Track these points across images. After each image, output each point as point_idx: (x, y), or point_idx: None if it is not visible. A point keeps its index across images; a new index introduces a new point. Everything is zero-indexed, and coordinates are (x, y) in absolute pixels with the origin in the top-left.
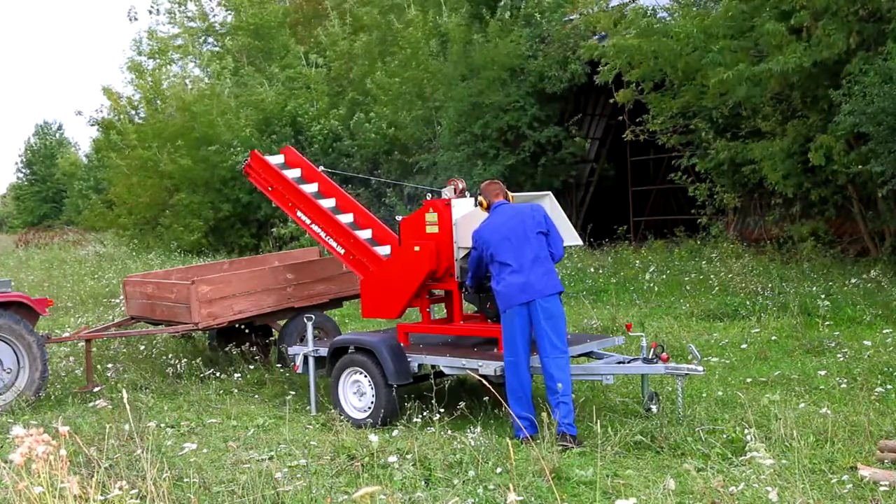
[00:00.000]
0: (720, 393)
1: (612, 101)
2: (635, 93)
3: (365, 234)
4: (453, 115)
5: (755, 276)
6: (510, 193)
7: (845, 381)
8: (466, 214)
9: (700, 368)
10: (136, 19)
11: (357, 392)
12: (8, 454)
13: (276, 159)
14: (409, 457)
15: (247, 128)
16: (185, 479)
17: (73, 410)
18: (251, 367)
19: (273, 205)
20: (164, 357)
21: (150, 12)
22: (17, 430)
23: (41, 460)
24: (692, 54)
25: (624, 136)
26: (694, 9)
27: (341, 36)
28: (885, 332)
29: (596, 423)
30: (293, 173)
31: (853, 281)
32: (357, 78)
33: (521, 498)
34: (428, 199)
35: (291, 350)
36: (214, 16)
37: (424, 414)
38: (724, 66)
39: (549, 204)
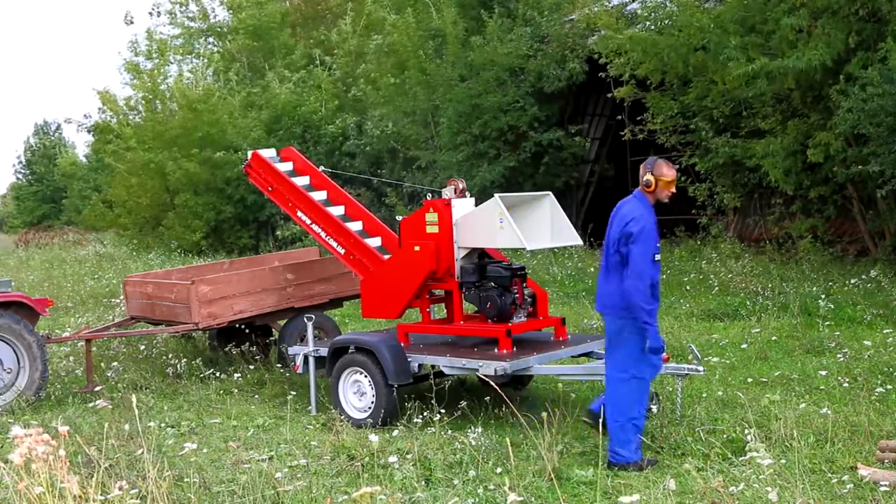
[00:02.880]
0: (720, 393)
1: (611, 95)
2: (635, 90)
3: (356, 226)
4: (452, 115)
5: (755, 276)
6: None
7: (846, 381)
8: (466, 215)
9: (700, 368)
10: (132, 23)
11: (357, 392)
12: (8, 454)
13: (272, 154)
14: (409, 457)
15: (255, 129)
16: (186, 479)
17: (73, 410)
18: (251, 367)
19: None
20: (164, 357)
21: (151, 14)
22: (16, 429)
23: (41, 460)
24: (704, 50)
25: (622, 133)
26: (698, 3)
27: (351, 34)
28: (885, 332)
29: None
30: (290, 169)
31: (853, 281)
32: (363, 75)
33: (521, 498)
34: (428, 199)
35: (291, 350)
36: (215, 16)
37: (425, 414)
38: (742, 60)
39: (550, 204)
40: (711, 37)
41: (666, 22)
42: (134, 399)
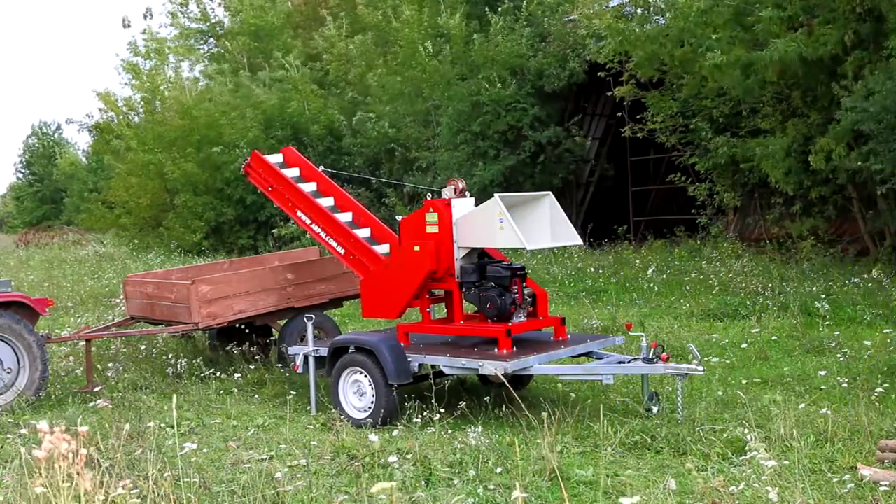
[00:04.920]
0: (720, 393)
1: (610, 94)
2: (635, 89)
3: (364, 233)
4: (452, 114)
5: (755, 276)
6: None
7: (846, 381)
8: (466, 214)
9: (700, 368)
10: (129, 26)
11: (357, 392)
12: (11, 453)
13: (275, 159)
14: (409, 457)
15: (252, 128)
16: (186, 479)
17: (73, 410)
18: (251, 367)
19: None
20: (164, 357)
21: (145, 17)
22: (42, 424)
23: (62, 458)
24: (689, 43)
25: (623, 131)
26: None
27: (338, 38)
28: (885, 332)
29: (596, 423)
30: (293, 173)
31: (853, 281)
32: (356, 79)
33: (525, 495)
34: (428, 198)
35: (291, 350)
36: (215, 17)
37: (424, 414)
38: (720, 53)
39: (550, 204)
40: (694, 28)
41: (655, 16)
42: (168, 409)
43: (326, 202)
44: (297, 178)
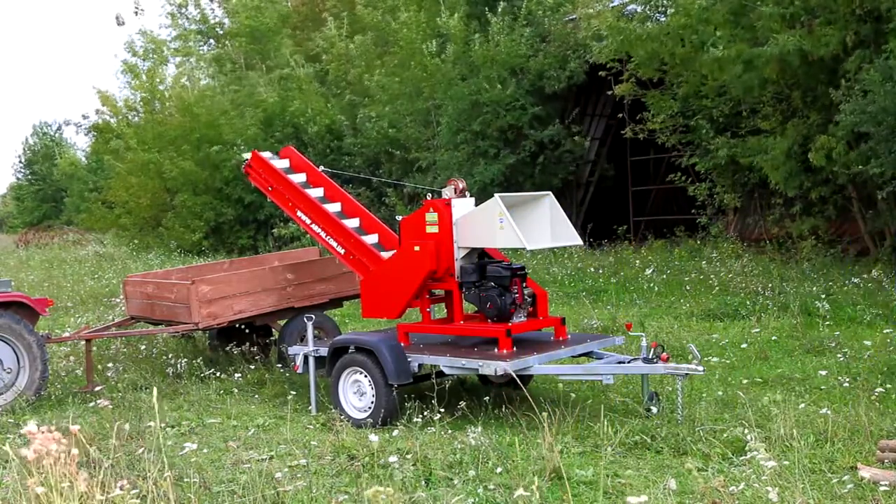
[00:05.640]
0: (720, 393)
1: (610, 93)
2: (635, 88)
3: (352, 223)
4: (452, 113)
5: (755, 276)
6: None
7: (846, 381)
8: (466, 214)
9: (700, 368)
10: (123, 24)
11: (357, 392)
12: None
13: (270, 154)
14: (409, 457)
15: (251, 127)
16: (186, 479)
17: (73, 410)
18: (251, 367)
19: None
20: (164, 357)
21: (136, 12)
22: (31, 426)
23: (52, 458)
24: (690, 42)
25: (623, 132)
26: None
27: (338, 38)
28: (885, 332)
29: (596, 423)
30: (295, 175)
31: (853, 281)
32: (355, 79)
33: (527, 493)
34: (428, 198)
35: (292, 350)
36: (215, 17)
37: (425, 414)
38: (721, 49)
39: (550, 204)
40: (696, 25)
41: (657, 14)
42: (155, 393)
43: (333, 208)
44: (303, 184)
